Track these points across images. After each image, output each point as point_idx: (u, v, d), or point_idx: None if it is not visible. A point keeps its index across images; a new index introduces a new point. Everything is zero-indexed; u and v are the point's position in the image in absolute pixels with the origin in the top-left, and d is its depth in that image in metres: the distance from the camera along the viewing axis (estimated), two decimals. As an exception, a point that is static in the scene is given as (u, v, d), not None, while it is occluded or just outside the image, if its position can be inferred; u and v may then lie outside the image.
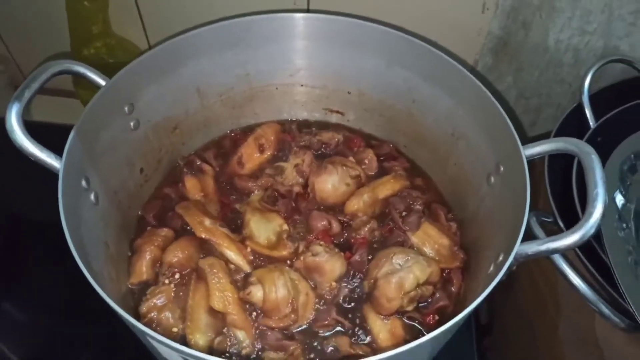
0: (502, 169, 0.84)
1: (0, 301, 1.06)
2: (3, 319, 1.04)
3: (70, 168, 0.75)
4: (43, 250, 1.10)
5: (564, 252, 0.77)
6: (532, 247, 0.68)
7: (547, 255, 0.69)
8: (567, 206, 0.83)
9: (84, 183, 0.79)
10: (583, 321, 0.88)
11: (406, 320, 0.86)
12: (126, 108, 0.90)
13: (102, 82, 0.85)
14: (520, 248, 0.68)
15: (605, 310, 0.78)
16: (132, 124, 0.93)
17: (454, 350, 0.90)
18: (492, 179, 0.88)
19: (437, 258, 0.92)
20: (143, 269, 0.88)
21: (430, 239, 0.93)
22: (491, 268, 0.77)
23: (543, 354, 1.03)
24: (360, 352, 0.82)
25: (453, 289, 0.90)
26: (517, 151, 0.78)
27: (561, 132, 0.96)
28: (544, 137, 0.81)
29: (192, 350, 0.58)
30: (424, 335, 0.60)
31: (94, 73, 0.85)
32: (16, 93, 0.73)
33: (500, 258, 0.73)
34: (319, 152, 1.08)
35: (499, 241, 0.80)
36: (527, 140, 0.79)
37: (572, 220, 0.80)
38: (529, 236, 0.73)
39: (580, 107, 0.95)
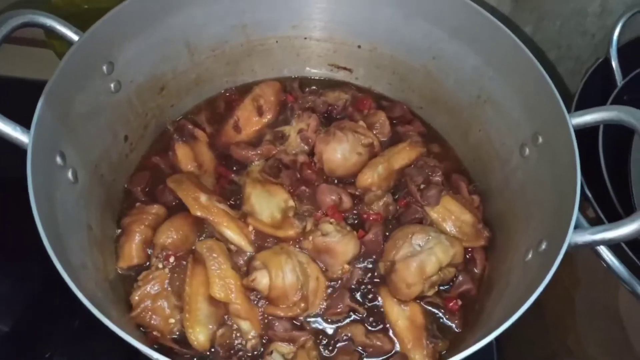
0: (540, 139, 0.75)
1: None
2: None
3: (42, 142, 0.64)
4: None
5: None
6: (584, 237, 0.60)
7: (597, 246, 0.60)
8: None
9: (58, 159, 0.68)
10: (604, 295, 0.82)
11: (426, 306, 0.79)
12: (105, 67, 0.79)
13: (75, 37, 0.74)
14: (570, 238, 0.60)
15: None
16: (112, 85, 0.81)
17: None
18: (527, 151, 0.78)
19: (459, 236, 0.83)
20: (133, 252, 0.79)
21: (452, 215, 0.84)
22: (529, 255, 0.68)
23: (552, 327, 0.97)
24: (378, 343, 0.75)
25: (476, 270, 0.82)
26: (563, 120, 0.68)
27: (585, 90, 0.89)
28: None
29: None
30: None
31: (65, 26, 0.73)
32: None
33: (544, 246, 0.65)
34: (325, 114, 0.97)
35: (536, 223, 0.72)
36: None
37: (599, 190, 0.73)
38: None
39: (605, 62, 0.90)
